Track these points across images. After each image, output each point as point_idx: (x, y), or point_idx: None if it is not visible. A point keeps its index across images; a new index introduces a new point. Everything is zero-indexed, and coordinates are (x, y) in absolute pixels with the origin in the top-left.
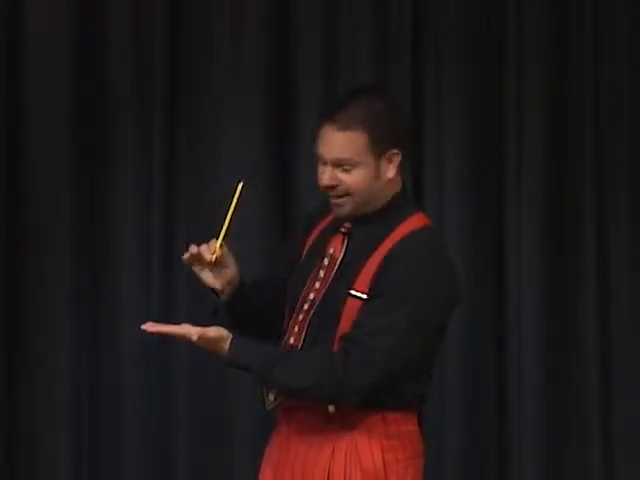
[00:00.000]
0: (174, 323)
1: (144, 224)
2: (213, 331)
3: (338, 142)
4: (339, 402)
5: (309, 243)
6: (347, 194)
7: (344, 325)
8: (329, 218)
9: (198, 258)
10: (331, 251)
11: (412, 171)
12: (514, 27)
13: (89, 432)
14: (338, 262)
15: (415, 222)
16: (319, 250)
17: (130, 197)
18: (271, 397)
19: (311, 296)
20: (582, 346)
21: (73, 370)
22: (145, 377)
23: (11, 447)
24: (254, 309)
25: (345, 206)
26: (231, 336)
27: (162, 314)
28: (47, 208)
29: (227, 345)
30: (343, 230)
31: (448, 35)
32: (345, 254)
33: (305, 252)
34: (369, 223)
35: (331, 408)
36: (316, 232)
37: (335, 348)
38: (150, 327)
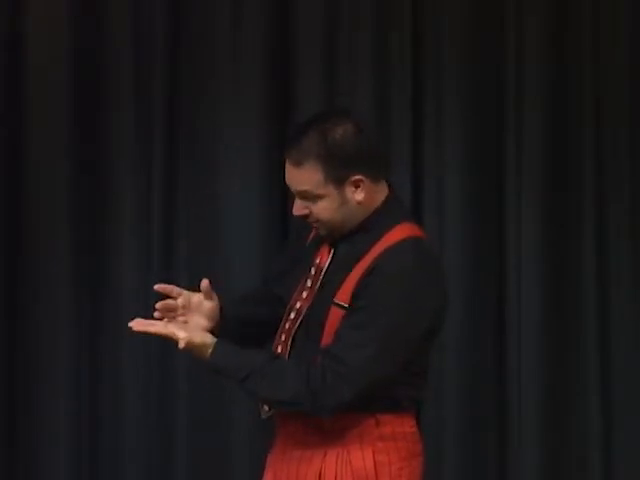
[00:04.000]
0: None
1: (144, 224)
2: (199, 337)
3: (295, 177)
4: (316, 415)
5: (305, 247)
6: (318, 221)
7: (327, 335)
8: None
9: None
10: (317, 261)
11: (412, 171)
12: (514, 27)
13: (89, 432)
14: (323, 272)
15: (401, 232)
16: (308, 259)
17: (130, 197)
18: (265, 407)
19: (298, 305)
20: (582, 346)
21: (73, 370)
22: (145, 377)
23: (11, 447)
24: (252, 327)
25: (322, 229)
26: (215, 342)
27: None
28: (47, 208)
29: (210, 351)
30: (329, 240)
31: (448, 35)
32: (330, 264)
33: (299, 259)
34: (354, 234)
35: (313, 421)
36: (311, 236)
37: (315, 361)
38: (137, 326)
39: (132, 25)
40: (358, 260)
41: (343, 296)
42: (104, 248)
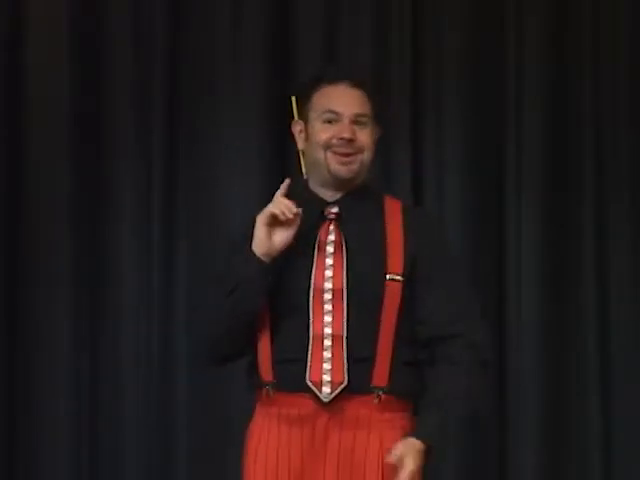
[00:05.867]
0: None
1: (144, 224)
2: (404, 452)
3: (355, 97)
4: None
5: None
6: (361, 151)
7: (390, 310)
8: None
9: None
10: (332, 238)
11: (412, 170)
12: (514, 27)
13: (89, 432)
14: (344, 246)
15: (395, 199)
16: (304, 242)
17: (130, 197)
18: (327, 389)
19: (328, 285)
20: (582, 346)
21: (73, 370)
22: (145, 377)
23: (11, 447)
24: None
25: (354, 164)
26: (418, 442)
27: (162, 314)
28: (47, 208)
29: (422, 445)
30: (331, 216)
31: (448, 35)
32: (348, 237)
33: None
34: (354, 201)
35: (375, 400)
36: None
37: (458, 350)
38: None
39: (132, 25)
40: (382, 226)
41: (395, 268)
42: (104, 248)
